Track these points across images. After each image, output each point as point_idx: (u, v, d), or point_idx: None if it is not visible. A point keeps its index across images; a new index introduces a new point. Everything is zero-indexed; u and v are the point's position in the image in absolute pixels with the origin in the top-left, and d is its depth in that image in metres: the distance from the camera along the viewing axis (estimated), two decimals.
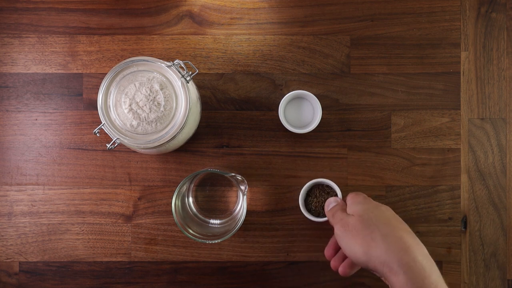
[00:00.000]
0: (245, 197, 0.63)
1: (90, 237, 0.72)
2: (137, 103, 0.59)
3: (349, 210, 0.59)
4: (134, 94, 0.59)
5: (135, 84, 0.60)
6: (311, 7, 0.72)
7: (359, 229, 0.55)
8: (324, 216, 0.69)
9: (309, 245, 0.71)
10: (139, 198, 0.72)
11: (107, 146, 0.59)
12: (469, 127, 0.72)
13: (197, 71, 0.62)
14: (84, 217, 0.72)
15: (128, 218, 0.72)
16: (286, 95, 0.69)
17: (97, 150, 0.72)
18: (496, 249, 0.72)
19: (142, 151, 0.65)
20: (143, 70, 0.60)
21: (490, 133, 0.72)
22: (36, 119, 0.72)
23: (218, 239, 0.64)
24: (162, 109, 0.60)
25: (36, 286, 0.72)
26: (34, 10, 0.72)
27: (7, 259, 0.72)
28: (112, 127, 0.60)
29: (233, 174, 0.63)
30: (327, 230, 0.71)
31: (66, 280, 0.71)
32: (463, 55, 0.72)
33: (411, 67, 0.72)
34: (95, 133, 0.59)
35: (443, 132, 0.72)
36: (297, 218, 0.71)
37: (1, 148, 0.72)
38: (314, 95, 0.69)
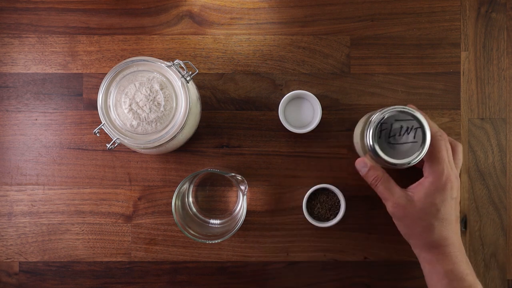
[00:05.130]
0: (245, 197, 0.63)
1: (90, 237, 0.72)
2: (137, 103, 0.59)
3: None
4: (134, 94, 0.59)
5: (135, 84, 0.60)
6: (311, 7, 0.72)
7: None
8: (327, 220, 0.69)
9: (309, 245, 0.71)
10: (139, 198, 0.72)
11: (107, 146, 0.59)
12: (469, 127, 0.72)
13: (197, 71, 0.62)
14: (84, 217, 0.72)
15: (128, 218, 0.72)
16: (286, 95, 0.69)
17: (97, 150, 0.72)
18: (496, 249, 0.72)
19: (142, 151, 0.65)
20: (143, 70, 0.60)
21: (490, 133, 0.72)
22: (36, 119, 0.72)
23: (218, 239, 0.64)
24: (162, 109, 0.60)
25: (36, 286, 0.71)
26: (34, 10, 0.72)
27: (7, 259, 0.72)
28: (112, 127, 0.60)
29: (233, 174, 0.63)
30: (327, 230, 0.71)
31: (66, 280, 0.71)
32: (463, 55, 0.72)
33: (411, 67, 0.72)
34: (95, 133, 0.59)
35: None
36: (297, 218, 0.71)
37: (1, 148, 0.72)
38: (314, 95, 0.69)
